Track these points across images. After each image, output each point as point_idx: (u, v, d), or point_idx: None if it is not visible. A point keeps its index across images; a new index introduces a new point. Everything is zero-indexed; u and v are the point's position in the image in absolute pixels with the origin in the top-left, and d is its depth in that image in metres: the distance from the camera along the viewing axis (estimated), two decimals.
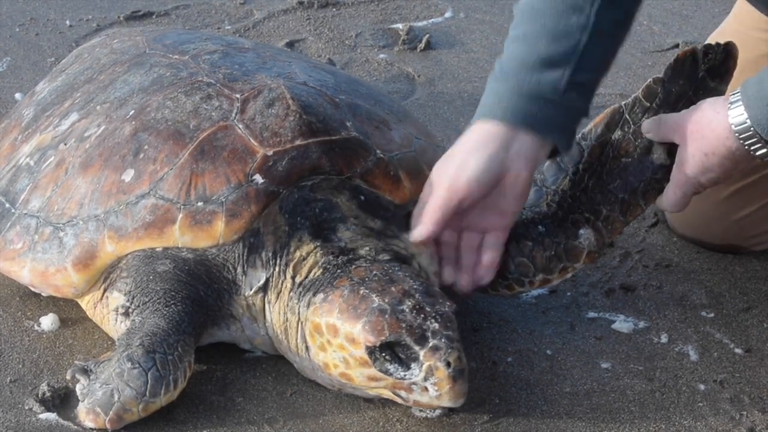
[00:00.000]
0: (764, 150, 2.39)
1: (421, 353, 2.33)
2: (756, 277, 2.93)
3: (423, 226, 2.52)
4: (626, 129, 2.58)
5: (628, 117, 2.59)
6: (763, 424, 2.49)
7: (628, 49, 3.84)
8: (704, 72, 2.55)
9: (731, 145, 2.40)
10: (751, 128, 2.36)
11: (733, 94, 2.39)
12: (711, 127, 2.41)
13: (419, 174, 2.65)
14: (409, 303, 2.36)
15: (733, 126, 2.38)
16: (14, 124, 2.88)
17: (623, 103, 2.61)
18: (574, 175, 2.61)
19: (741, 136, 2.39)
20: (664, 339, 2.74)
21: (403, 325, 2.33)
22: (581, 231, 2.61)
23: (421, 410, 2.46)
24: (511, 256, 2.62)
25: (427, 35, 3.98)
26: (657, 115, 2.53)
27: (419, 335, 2.33)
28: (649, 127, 2.54)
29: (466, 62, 3.87)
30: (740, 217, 2.93)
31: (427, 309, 2.36)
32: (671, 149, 2.54)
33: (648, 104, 2.57)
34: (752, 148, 2.39)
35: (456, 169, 2.48)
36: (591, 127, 2.62)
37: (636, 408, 2.53)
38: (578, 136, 2.60)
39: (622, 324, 2.78)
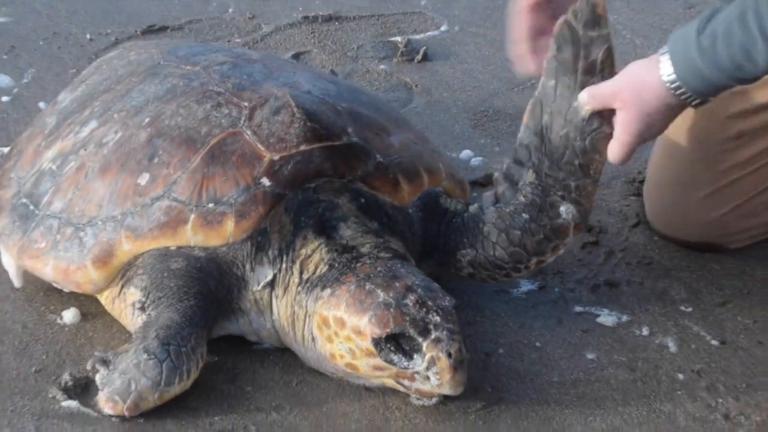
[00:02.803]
0: (698, 100, 2.40)
1: (424, 344, 2.33)
2: (731, 274, 2.93)
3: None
4: (547, 110, 2.58)
5: (543, 100, 2.58)
6: (736, 411, 2.50)
7: None
8: (582, 29, 2.53)
9: (670, 101, 2.40)
10: (683, 86, 2.36)
11: (662, 53, 2.39)
12: (648, 87, 2.40)
13: (417, 177, 2.67)
14: (412, 297, 2.36)
15: (667, 84, 2.38)
16: (38, 131, 2.87)
17: (535, 93, 2.60)
18: (534, 166, 2.60)
19: (677, 92, 2.39)
20: (645, 332, 2.74)
21: (407, 318, 2.33)
22: (561, 208, 2.60)
23: (418, 398, 2.45)
24: (503, 247, 2.62)
25: (424, 47, 3.97)
26: (589, 87, 2.52)
27: (422, 327, 2.33)
28: (586, 99, 2.52)
29: (461, 73, 3.88)
30: (715, 218, 2.93)
31: (429, 303, 2.36)
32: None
33: (553, 81, 2.56)
34: (687, 99, 2.39)
35: None
36: (523, 127, 2.61)
37: (619, 396, 2.53)
38: (516, 142, 2.62)
39: (607, 318, 2.78)
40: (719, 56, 2.32)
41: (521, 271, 2.66)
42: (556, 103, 2.57)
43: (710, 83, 2.36)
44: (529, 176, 2.61)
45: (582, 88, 2.54)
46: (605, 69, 2.53)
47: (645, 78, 2.42)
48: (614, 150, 2.52)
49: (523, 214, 2.61)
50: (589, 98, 2.52)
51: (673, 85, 2.38)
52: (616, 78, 2.49)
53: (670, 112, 2.43)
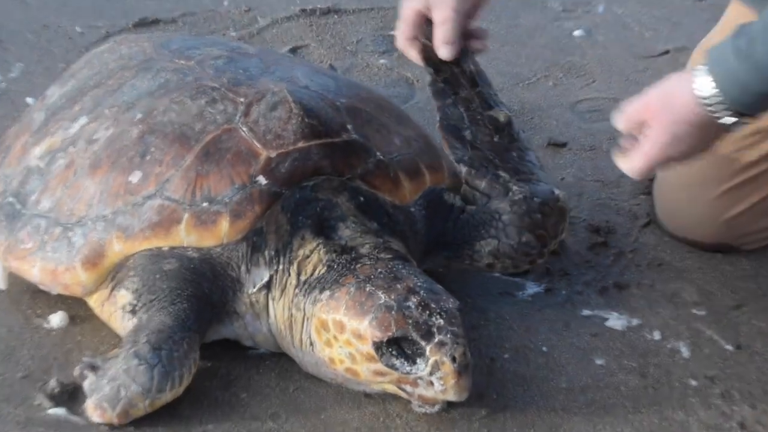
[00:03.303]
0: (726, 118, 2.37)
1: (428, 348, 2.30)
2: (745, 276, 2.91)
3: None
4: (463, 127, 2.80)
5: (451, 120, 2.83)
6: (752, 419, 2.48)
7: (620, 53, 3.87)
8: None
9: (699, 111, 2.38)
10: (720, 95, 2.35)
11: (697, 66, 2.40)
12: (678, 96, 2.41)
13: (419, 175, 2.66)
14: (415, 300, 2.33)
15: (697, 93, 2.37)
16: (26, 128, 2.85)
17: (437, 119, 2.84)
18: (498, 168, 2.78)
19: (705, 102, 2.37)
20: (656, 336, 2.71)
21: (410, 321, 2.31)
22: (552, 189, 2.74)
23: (420, 405, 2.42)
24: (530, 231, 2.70)
25: None
26: (620, 106, 2.54)
27: (425, 331, 2.30)
28: (618, 118, 2.53)
29: None
30: (729, 218, 2.91)
31: (433, 305, 2.33)
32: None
33: (449, 100, 2.79)
34: (716, 114, 2.37)
35: None
36: (451, 150, 2.80)
37: (630, 403, 2.51)
38: (458, 162, 2.79)
39: (616, 321, 2.75)
40: (757, 54, 2.29)
41: (544, 256, 2.73)
42: (467, 117, 2.75)
43: (747, 87, 2.33)
44: (503, 175, 2.75)
45: (478, 95, 2.77)
46: (481, 76, 2.79)
47: (676, 87, 2.41)
48: (634, 160, 2.49)
49: (535, 199, 2.70)
50: (619, 116, 2.52)
51: (702, 95, 2.37)
52: (647, 91, 2.48)
53: (696, 123, 2.41)
